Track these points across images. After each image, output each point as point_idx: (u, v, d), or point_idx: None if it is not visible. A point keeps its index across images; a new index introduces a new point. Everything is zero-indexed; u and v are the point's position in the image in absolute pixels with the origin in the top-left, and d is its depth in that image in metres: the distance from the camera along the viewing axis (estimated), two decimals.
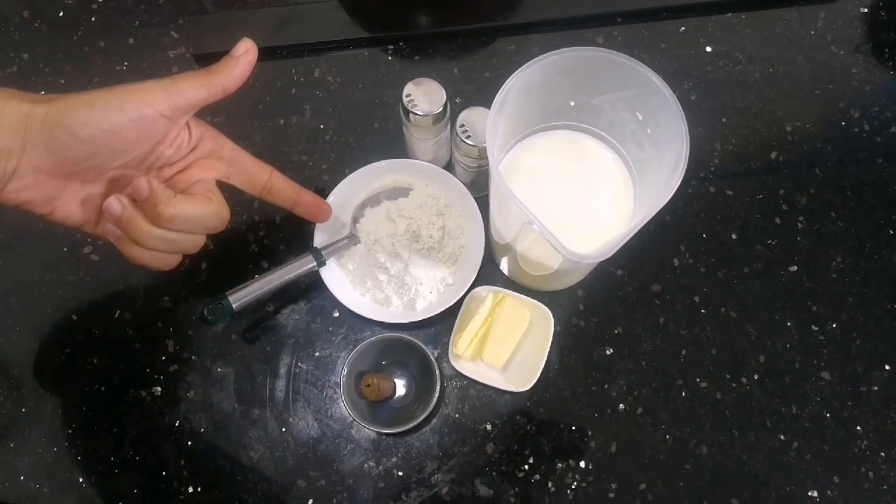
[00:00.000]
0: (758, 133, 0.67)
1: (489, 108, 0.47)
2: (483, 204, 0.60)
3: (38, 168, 0.42)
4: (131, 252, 0.44)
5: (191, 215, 0.44)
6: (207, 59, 0.70)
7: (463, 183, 0.61)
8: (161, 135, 0.44)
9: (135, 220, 0.42)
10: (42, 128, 0.41)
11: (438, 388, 0.57)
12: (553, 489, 0.58)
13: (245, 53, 0.47)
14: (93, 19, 0.73)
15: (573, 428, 0.59)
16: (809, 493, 0.57)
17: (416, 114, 0.55)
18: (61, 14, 0.73)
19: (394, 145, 0.66)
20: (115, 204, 0.42)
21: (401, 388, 0.60)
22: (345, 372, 0.57)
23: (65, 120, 0.41)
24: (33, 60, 0.72)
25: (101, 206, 0.44)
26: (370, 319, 0.60)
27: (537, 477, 0.58)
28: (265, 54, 0.70)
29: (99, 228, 0.46)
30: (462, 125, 0.56)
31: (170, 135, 0.45)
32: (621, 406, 0.60)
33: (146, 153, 0.45)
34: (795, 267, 0.63)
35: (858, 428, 0.59)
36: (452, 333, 0.59)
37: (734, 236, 0.64)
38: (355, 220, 0.62)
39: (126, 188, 0.45)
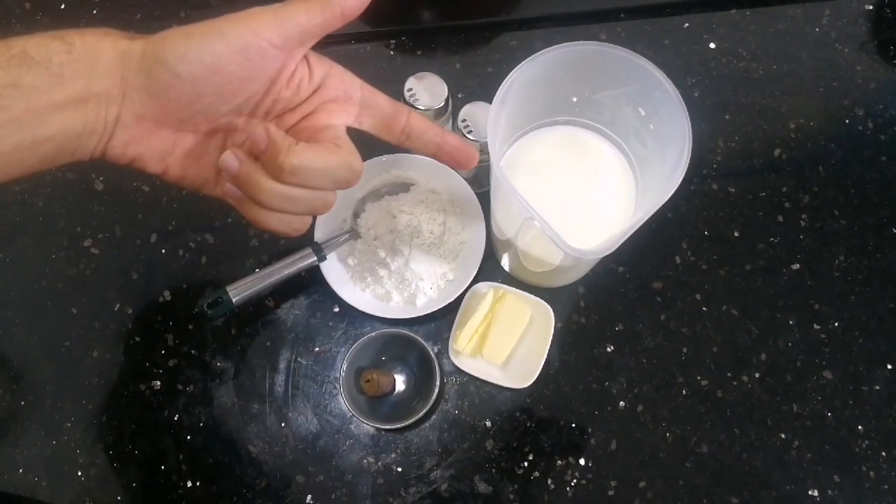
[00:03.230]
0: (761, 130, 0.67)
1: (491, 103, 0.47)
2: (484, 200, 0.60)
3: (142, 115, 0.37)
4: (254, 215, 0.38)
5: (316, 166, 0.36)
6: None
7: (464, 178, 0.61)
8: (273, 70, 0.38)
9: (254, 175, 0.36)
10: (140, 66, 0.35)
11: (438, 384, 0.57)
12: (552, 486, 0.58)
13: None
14: (94, 12, 0.73)
15: (573, 425, 0.59)
16: (810, 493, 0.57)
17: (417, 108, 0.55)
18: (63, 6, 0.73)
19: None
20: (231, 159, 0.36)
21: (400, 383, 0.60)
22: (344, 367, 0.57)
23: (162, 54, 0.35)
24: None
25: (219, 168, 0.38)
26: (370, 315, 0.59)
27: (537, 474, 0.58)
28: None
29: (219, 189, 0.40)
30: (464, 120, 0.56)
31: (285, 71, 0.38)
32: (622, 403, 0.59)
33: (260, 94, 0.38)
34: (798, 265, 0.63)
35: (860, 427, 0.59)
36: (453, 329, 0.59)
37: (736, 234, 0.64)
38: (356, 215, 0.62)
39: (243, 144, 0.39)
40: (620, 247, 0.43)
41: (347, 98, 0.41)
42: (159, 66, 0.35)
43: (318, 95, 0.41)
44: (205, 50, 0.35)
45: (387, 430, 0.59)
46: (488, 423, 0.59)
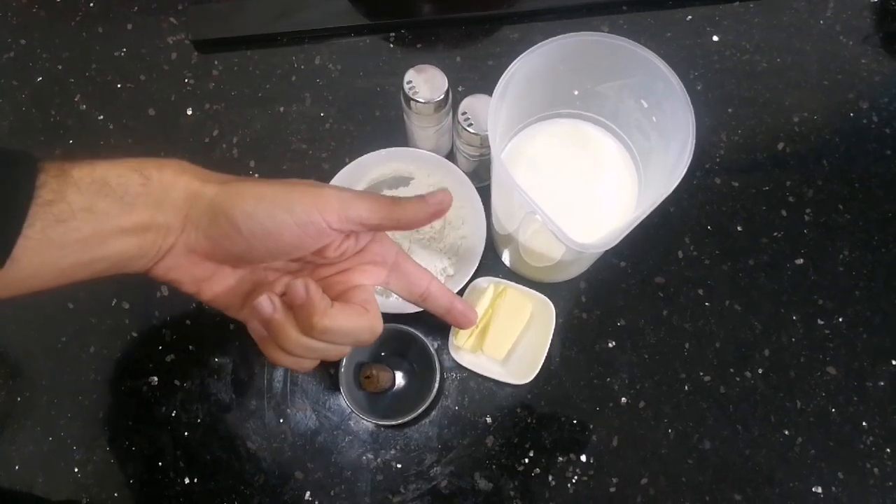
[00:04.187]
0: (765, 124, 0.66)
1: (492, 96, 0.46)
2: (485, 194, 0.59)
3: (194, 249, 0.39)
4: (272, 354, 0.40)
5: (345, 329, 0.39)
6: (207, 45, 0.70)
7: (465, 172, 0.60)
8: (323, 243, 0.40)
9: (284, 326, 0.38)
10: (206, 211, 0.38)
11: (438, 379, 0.56)
12: (553, 483, 0.57)
13: (439, 203, 0.42)
14: (91, 5, 0.72)
15: (574, 421, 0.59)
16: (813, 489, 0.57)
17: (417, 101, 0.55)
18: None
19: (395, 134, 0.65)
20: (267, 304, 0.37)
21: (400, 379, 0.60)
22: (343, 363, 0.56)
23: (230, 209, 0.38)
24: (31, 46, 0.71)
25: (249, 296, 0.41)
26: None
27: (537, 470, 0.57)
28: (265, 41, 0.70)
29: (242, 314, 0.42)
30: (464, 112, 0.55)
31: (333, 243, 0.41)
32: (623, 399, 0.59)
33: (306, 255, 0.41)
34: (801, 260, 0.62)
35: (864, 423, 0.58)
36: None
37: (739, 228, 0.63)
38: None
39: (278, 280, 0.42)
40: (622, 241, 0.43)
41: (383, 263, 0.44)
42: (224, 218, 0.38)
43: (358, 257, 0.43)
44: (270, 216, 0.38)
45: (386, 427, 0.59)
46: (489, 420, 0.59)
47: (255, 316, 0.38)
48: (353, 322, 0.39)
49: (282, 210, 0.38)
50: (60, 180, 0.35)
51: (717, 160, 0.65)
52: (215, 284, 0.41)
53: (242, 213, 0.38)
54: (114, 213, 0.36)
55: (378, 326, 0.41)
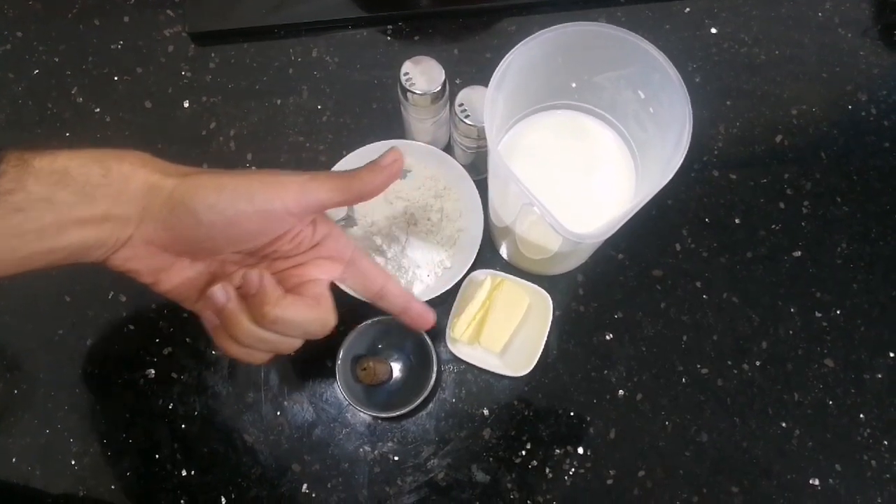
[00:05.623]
0: (763, 116, 0.66)
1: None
2: (482, 186, 0.59)
3: (152, 240, 0.39)
4: (224, 343, 0.41)
5: (296, 320, 0.40)
6: (204, 38, 0.70)
7: (462, 165, 0.60)
8: (283, 230, 0.41)
9: (237, 315, 0.39)
10: (166, 203, 0.38)
11: (435, 372, 0.56)
12: (550, 475, 0.57)
13: (391, 164, 0.43)
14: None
15: (572, 414, 0.59)
16: (811, 481, 0.57)
17: (414, 93, 0.54)
18: None
19: (392, 126, 0.65)
20: (221, 293, 0.38)
21: (397, 371, 0.59)
22: (340, 355, 0.56)
23: (190, 201, 0.38)
24: (27, 38, 0.70)
25: (205, 288, 0.41)
26: (366, 302, 0.58)
27: (535, 463, 0.57)
28: (262, 33, 0.70)
29: (197, 305, 0.43)
30: (461, 104, 0.55)
31: (292, 231, 0.42)
32: (621, 392, 0.59)
33: (264, 245, 0.42)
34: (799, 252, 0.62)
35: (861, 416, 0.58)
36: (450, 317, 0.58)
37: (737, 221, 0.63)
38: None
39: (235, 273, 0.43)
40: (620, 234, 0.43)
41: (339, 258, 0.45)
42: (184, 209, 0.38)
43: (314, 251, 0.44)
44: (231, 206, 0.38)
45: (383, 419, 0.58)
46: (486, 412, 0.59)
47: (209, 305, 0.39)
48: (304, 314, 0.40)
49: (243, 199, 0.38)
50: (20, 169, 0.35)
51: (715, 153, 0.65)
52: (173, 276, 0.42)
53: (203, 204, 0.38)
54: (73, 204, 0.36)
55: (331, 321, 0.42)
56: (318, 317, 0.42)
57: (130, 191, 0.38)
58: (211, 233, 0.39)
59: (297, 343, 0.42)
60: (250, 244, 0.41)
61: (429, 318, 0.48)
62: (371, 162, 0.42)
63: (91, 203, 0.37)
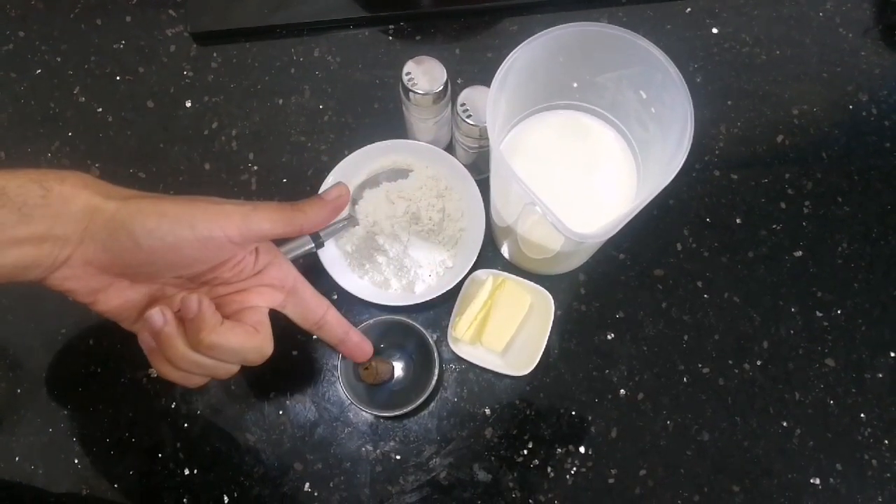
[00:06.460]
0: (764, 116, 0.66)
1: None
2: (484, 187, 0.59)
3: (90, 262, 0.39)
4: (160, 367, 0.41)
5: (232, 347, 0.40)
6: (206, 38, 0.70)
7: (464, 165, 0.60)
8: (223, 258, 0.41)
9: (173, 339, 0.39)
10: (105, 225, 0.38)
11: (437, 371, 0.56)
12: (552, 474, 0.57)
13: (336, 199, 0.44)
14: None
15: (573, 413, 0.59)
16: (812, 481, 0.57)
17: (416, 92, 0.55)
18: None
19: (394, 126, 0.65)
20: (158, 317, 0.38)
21: (399, 371, 0.60)
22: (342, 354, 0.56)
23: (130, 225, 0.38)
24: (29, 38, 0.71)
25: (145, 310, 0.41)
26: (368, 302, 0.59)
27: (536, 462, 0.57)
28: (264, 33, 0.70)
29: (136, 326, 0.43)
30: (463, 104, 0.55)
31: (234, 258, 0.42)
32: (622, 391, 0.59)
33: (204, 271, 0.42)
34: (800, 252, 0.62)
35: (862, 415, 0.58)
36: (452, 316, 0.58)
37: (738, 221, 0.63)
38: (354, 202, 0.61)
39: (175, 295, 0.43)
40: (621, 234, 0.43)
41: (280, 285, 0.45)
42: (125, 233, 0.38)
43: (256, 278, 0.45)
44: (171, 232, 0.38)
45: (385, 418, 0.59)
46: (487, 411, 0.59)
47: (147, 327, 0.39)
48: (241, 341, 0.41)
49: (183, 226, 0.39)
50: None
51: (717, 152, 0.65)
52: (112, 297, 0.41)
53: (143, 229, 0.38)
54: (10, 224, 0.36)
55: (268, 349, 0.43)
56: (255, 345, 0.42)
57: (70, 212, 0.38)
58: (151, 258, 0.39)
59: (233, 369, 0.42)
60: (190, 270, 0.41)
61: (366, 348, 0.49)
62: (316, 196, 0.43)
63: (29, 223, 0.37)
